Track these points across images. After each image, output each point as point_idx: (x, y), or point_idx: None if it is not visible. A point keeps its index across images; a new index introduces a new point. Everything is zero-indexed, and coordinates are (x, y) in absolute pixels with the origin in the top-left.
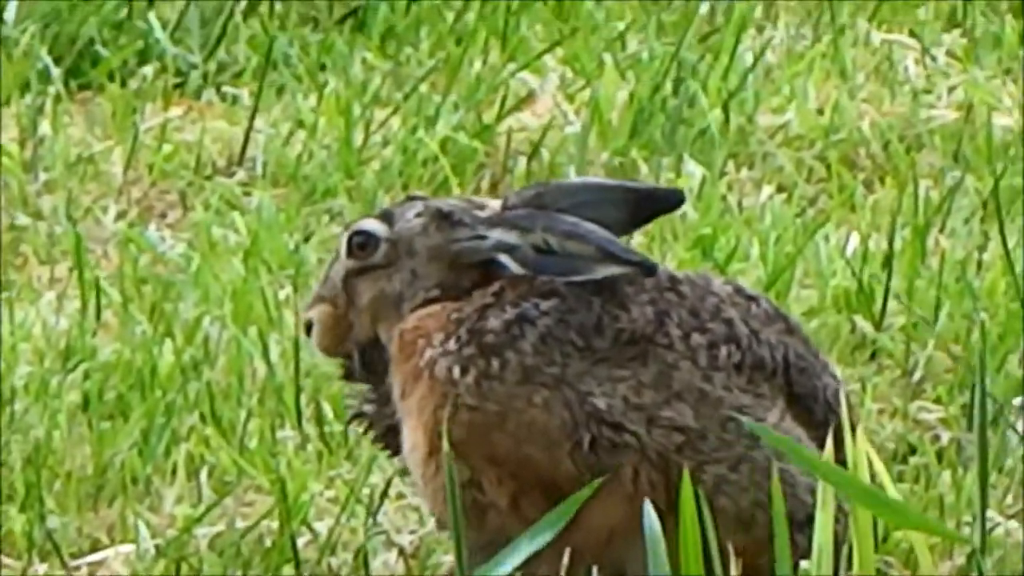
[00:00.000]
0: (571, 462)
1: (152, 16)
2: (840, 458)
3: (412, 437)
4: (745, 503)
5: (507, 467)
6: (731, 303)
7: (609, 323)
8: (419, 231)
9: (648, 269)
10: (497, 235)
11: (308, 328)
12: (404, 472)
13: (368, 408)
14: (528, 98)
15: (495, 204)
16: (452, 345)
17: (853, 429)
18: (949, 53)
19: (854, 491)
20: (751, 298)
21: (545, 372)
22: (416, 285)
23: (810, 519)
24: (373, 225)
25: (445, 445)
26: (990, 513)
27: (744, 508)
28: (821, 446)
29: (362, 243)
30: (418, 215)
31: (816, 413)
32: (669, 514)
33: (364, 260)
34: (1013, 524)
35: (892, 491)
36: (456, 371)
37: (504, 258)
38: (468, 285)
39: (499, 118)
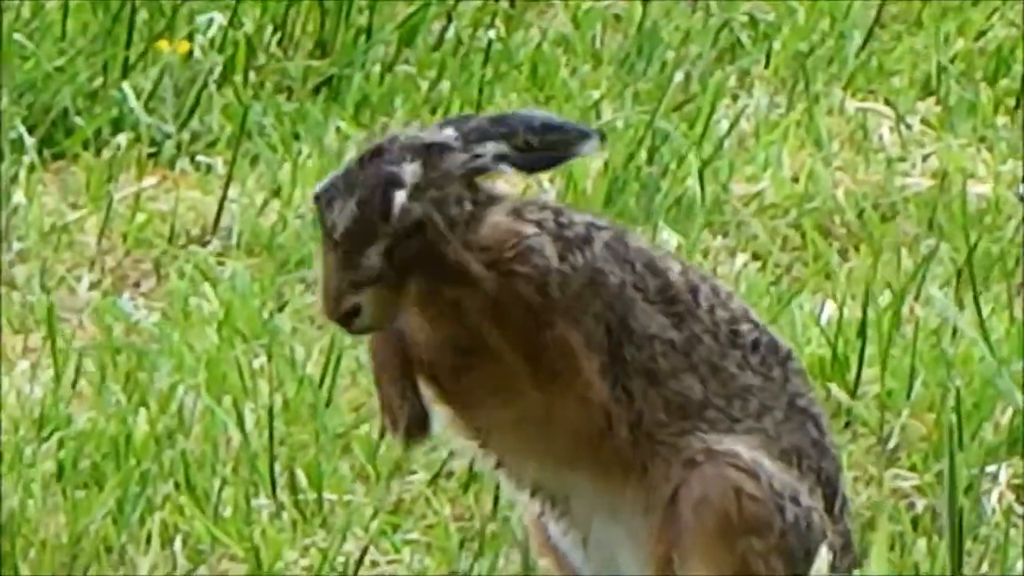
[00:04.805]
0: (593, 378)
1: (126, 85)
2: None
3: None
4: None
5: (547, 354)
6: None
7: (652, 277)
8: (420, 175)
9: (602, 136)
10: (491, 148)
11: (351, 315)
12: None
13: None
14: None
15: (449, 132)
16: (540, 232)
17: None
18: (924, 121)
19: None
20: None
21: (607, 276)
22: (452, 205)
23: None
24: (400, 198)
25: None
26: None
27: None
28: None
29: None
30: (411, 160)
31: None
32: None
33: (397, 226)
34: None
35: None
36: (546, 253)
37: (503, 166)
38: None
39: None
